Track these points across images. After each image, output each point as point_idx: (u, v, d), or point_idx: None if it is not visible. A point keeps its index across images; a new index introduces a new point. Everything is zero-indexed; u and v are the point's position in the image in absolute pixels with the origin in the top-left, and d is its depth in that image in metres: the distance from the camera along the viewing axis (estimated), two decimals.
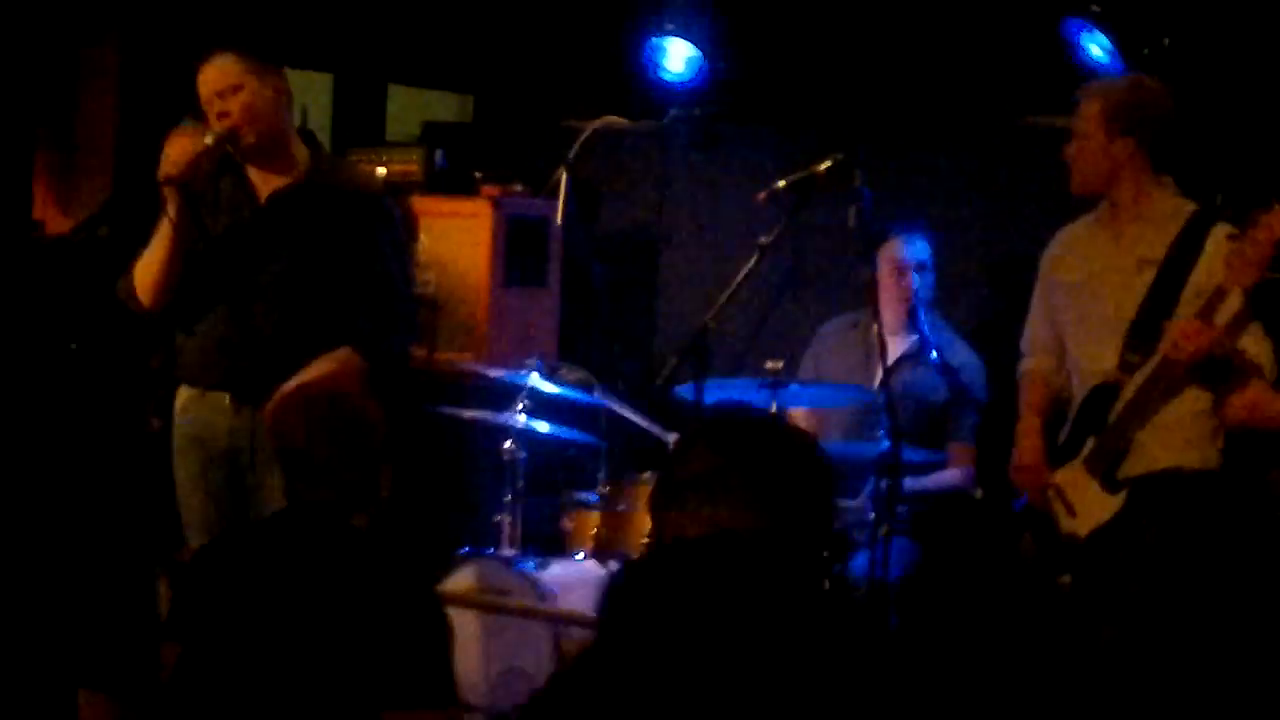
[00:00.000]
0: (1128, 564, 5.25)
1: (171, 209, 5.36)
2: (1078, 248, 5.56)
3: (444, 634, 4.02)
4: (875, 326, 6.06)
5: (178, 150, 5.35)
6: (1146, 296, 5.28)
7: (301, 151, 5.60)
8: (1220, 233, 5.18)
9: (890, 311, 6.32)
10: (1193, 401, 5.23)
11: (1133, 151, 5.33)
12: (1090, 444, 5.35)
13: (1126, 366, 5.28)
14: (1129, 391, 5.26)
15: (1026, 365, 5.70)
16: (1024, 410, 5.63)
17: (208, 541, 4.92)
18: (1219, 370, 5.09)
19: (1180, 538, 5.23)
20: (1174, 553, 5.22)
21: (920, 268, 6.54)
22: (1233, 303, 5.04)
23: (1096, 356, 5.38)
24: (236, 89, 5.41)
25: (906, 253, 6.52)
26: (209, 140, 5.36)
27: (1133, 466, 5.28)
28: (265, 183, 5.54)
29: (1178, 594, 5.22)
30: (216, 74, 5.45)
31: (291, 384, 4.81)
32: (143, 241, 5.59)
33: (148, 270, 5.48)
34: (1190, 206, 5.35)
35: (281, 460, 4.15)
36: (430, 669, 3.92)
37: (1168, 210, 5.36)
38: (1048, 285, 5.64)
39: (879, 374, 6.35)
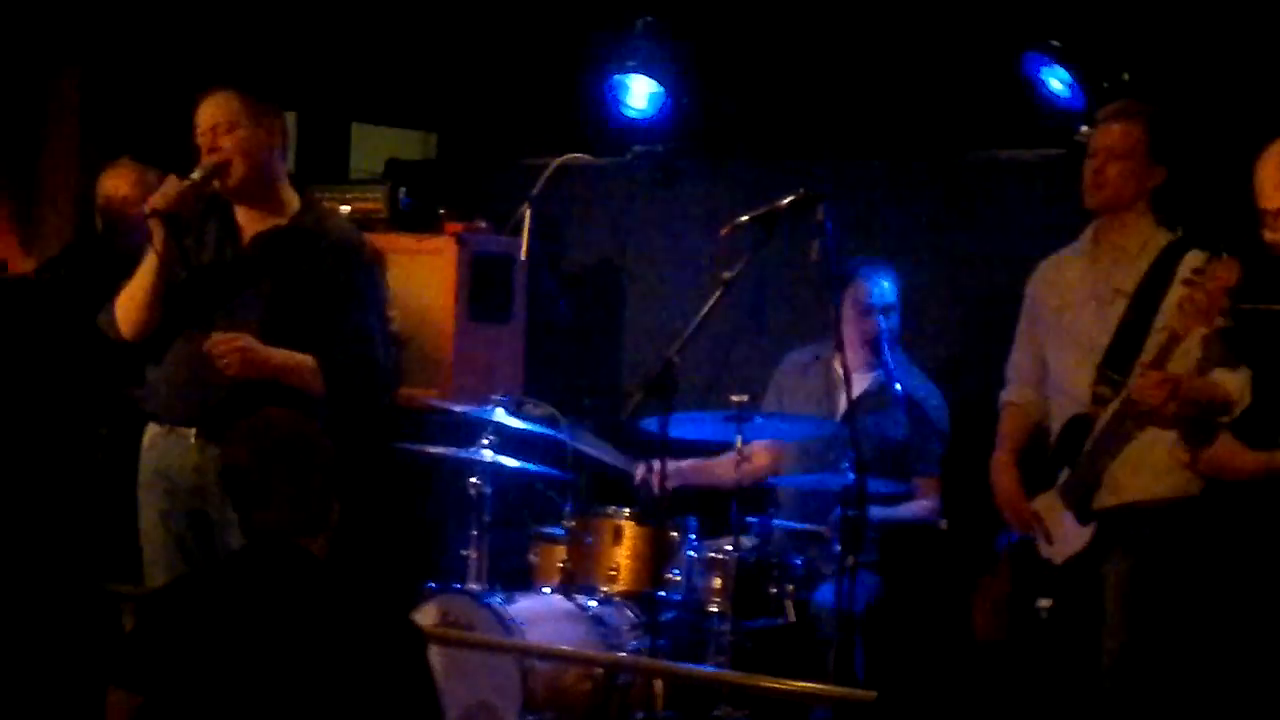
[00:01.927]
0: (1102, 596, 5.29)
1: (157, 241, 5.36)
2: (1059, 276, 5.63)
3: (423, 651, 4.02)
4: (839, 361, 6.09)
5: (167, 184, 5.39)
6: (1116, 330, 5.34)
7: (292, 197, 5.60)
8: (1191, 262, 5.22)
9: (854, 351, 6.32)
10: (1164, 432, 5.27)
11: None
12: (1065, 474, 5.41)
13: (1098, 399, 5.33)
14: (1100, 424, 5.32)
15: (1008, 395, 5.76)
16: (1000, 443, 5.69)
17: (163, 585, 4.90)
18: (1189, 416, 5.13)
19: (1151, 568, 5.26)
20: (1147, 583, 5.26)
21: (885, 310, 6.55)
22: (1190, 348, 5.10)
23: (1074, 381, 5.45)
24: (232, 126, 5.45)
25: (872, 296, 6.54)
26: (196, 175, 5.40)
27: (1104, 499, 5.34)
28: (251, 224, 5.54)
29: (1154, 624, 5.25)
30: (213, 110, 5.49)
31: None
32: (106, 280, 5.60)
33: (130, 302, 5.48)
34: (1165, 238, 5.42)
35: (225, 485, 4.14)
36: (416, 689, 3.92)
37: (1144, 241, 5.42)
38: (1031, 312, 5.71)
39: (841, 407, 6.39)
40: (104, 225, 6.61)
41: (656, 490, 5.71)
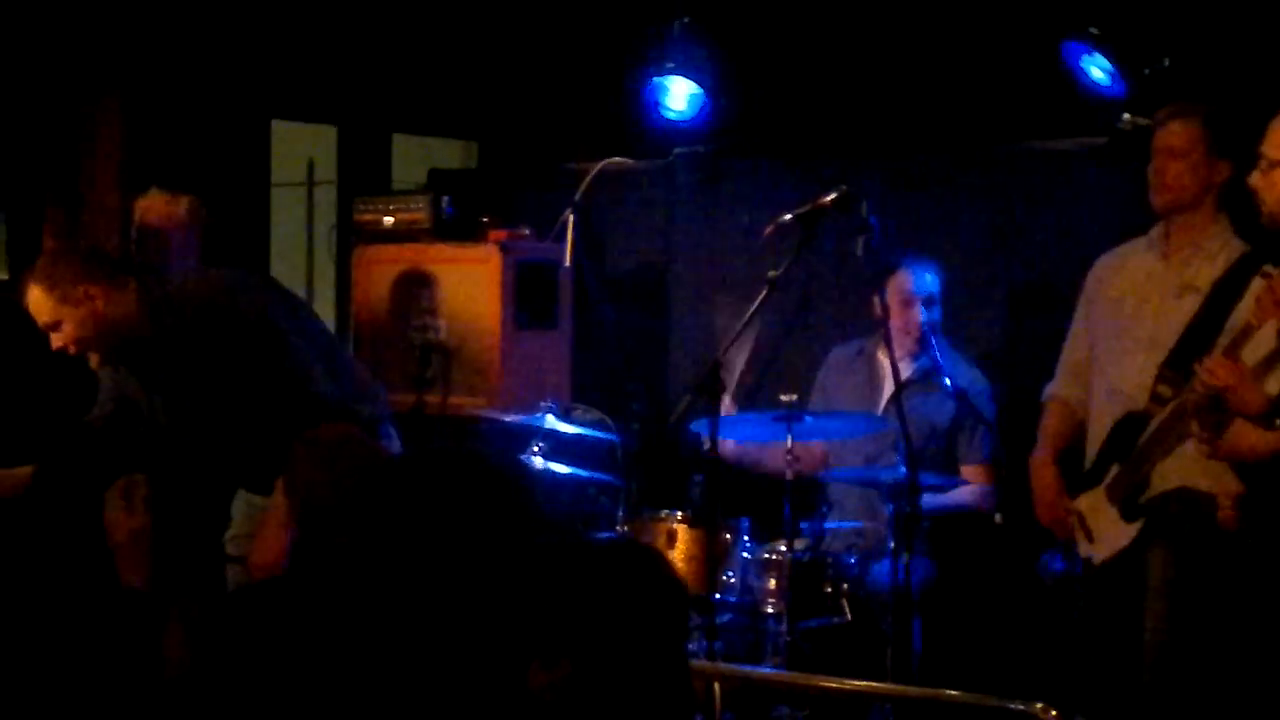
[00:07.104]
0: (1142, 592, 5.27)
1: None
2: (1123, 266, 5.54)
3: None
4: (882, 353, 6.09)
5: None
6: (1185, 331, 5.25)
7: (144, 309, 5.34)
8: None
9: (898, 342, 6.30)
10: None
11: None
12: (1113, 471, 5.37)
13: (1158, 398, 5.25)
14: (1156, 422, 5.25)
15: (1054, 390, 5.70)
16: (1041, 442, 5.65)
17: (224, 600, 4.90)
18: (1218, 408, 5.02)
19: (1192, 555, 5.23)
20: (1188, 569, 5.23)
21: (929, 301, 6.52)
22: (1263, 340, 4.95)
23: (1124, 373, 5.37)
24: (56, 325, 5.22)
25: (914, 285, 6.51)
26: None
27: (1151, 492, 5.29)
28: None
29: (1194, 610, 5.22)
30: (34, 310, 5.24)
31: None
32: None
33: None
34: (1241, 247, 5.31)
35: (295, 507, 4.13)
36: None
37: (1220, 244, 5.33)
38: (1089, 302, 5.63)
39: (884, 400, 6.39)
40: (138, 246, 6.63)
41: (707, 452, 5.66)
